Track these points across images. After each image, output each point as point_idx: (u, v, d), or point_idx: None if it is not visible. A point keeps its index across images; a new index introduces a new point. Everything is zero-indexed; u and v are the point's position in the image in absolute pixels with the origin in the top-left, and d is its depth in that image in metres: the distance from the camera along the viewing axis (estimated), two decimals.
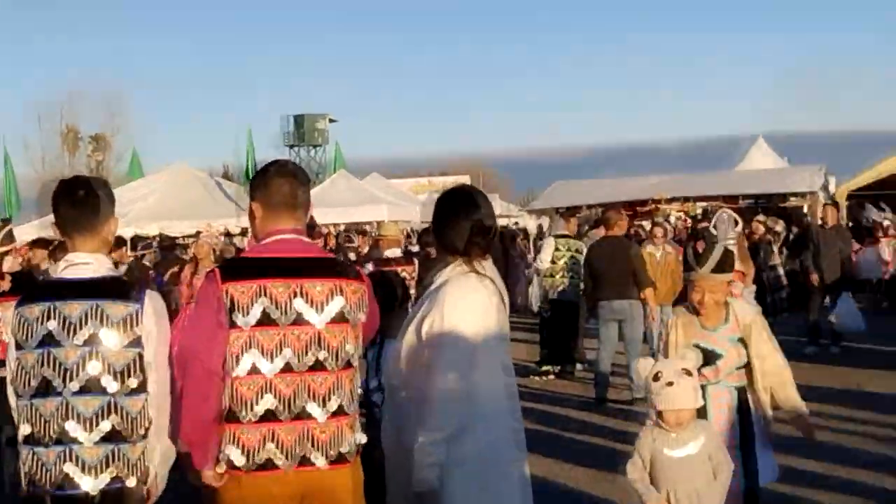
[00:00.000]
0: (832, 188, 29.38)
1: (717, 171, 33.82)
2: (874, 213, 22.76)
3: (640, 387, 5.18)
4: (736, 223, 11.65)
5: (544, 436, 9.53)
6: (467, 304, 4.25)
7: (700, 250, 5.19)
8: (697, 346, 5.26)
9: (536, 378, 13.38)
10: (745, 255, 11.81)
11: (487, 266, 4.39)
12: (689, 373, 4.73)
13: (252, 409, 3.85)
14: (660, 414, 4.75)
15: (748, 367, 5.36)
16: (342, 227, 25.88)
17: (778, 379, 5.38)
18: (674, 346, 5.22)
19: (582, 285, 12.91)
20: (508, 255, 19.45)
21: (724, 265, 5.25)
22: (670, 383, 4.67)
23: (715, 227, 11.50)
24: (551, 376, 13.62)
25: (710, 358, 5.28)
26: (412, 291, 12.02)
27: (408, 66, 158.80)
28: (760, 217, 17.25)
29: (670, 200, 28.28)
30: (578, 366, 13.90)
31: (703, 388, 4.94)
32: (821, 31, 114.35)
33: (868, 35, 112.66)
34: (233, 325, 3.86)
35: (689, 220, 24.05)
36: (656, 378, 4.72)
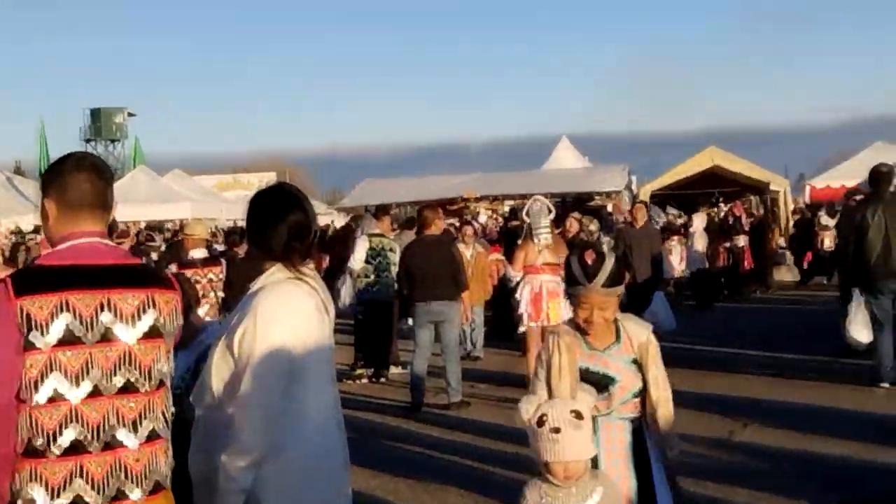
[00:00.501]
0: (634, 188, 30.09)
1: (524, 171, 34.23)
2: (660, 213, 23.42)
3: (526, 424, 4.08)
4: (549, 211, 11.54)
5: (359, 445, 9.00)
6: (286, 313, 3.78)
7: (589, 261, 4.34)
8: (587, 371, 4.37)
9: (350, 382, 12.95)
10: (561, 245, 11.67)
11: (309, 271, 3.91)
12: (580, 416, 3.98)
13: (55, 442, 3.30)
14: (546, 465, 3.99)
15: (643, 394, 4.48)
16: (143, 226, 24.80)
17: (663, 411, 4.54)
18: (558, 372, 4.16)
19: (396, 286, 12.53)
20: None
21: (617, 277, 4.41)
22: (557, 430, 3.93)
23: (528, 214, 11.36)
24: (365, 380, 13.21)
25: (601, 384, 4.39)
26: (220, 294, 11.46)
27: (208, 61, 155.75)
28: (576, 214, 17.31)
29: (479, 199, 28.44)
30: (393, 369, 13.54)
31: (592, 420, 4.15)
32: (627, 33, 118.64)
33: (673, 39, 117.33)
34: (29, 346, 3.27)
35: (500, 219, 24.10)
36: (541, 423, 3.98)
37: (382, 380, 13.24)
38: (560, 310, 11.06)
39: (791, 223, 27.55)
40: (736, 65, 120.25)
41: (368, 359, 13.40)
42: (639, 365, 4.46)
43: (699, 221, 20.52)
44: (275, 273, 3.86)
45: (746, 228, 23.39)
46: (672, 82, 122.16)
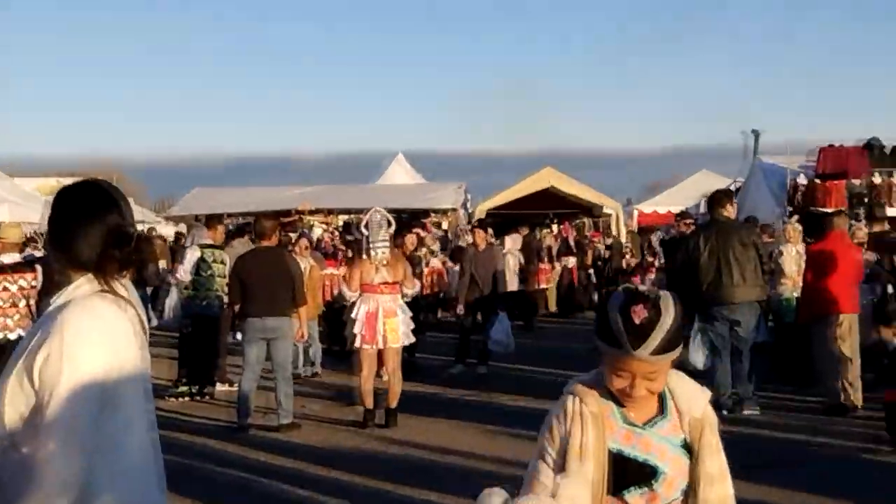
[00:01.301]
0: (470, 206, 29.99)
1: (359, 185, 33.76)
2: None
3: None
4: (389, 224, 11.03)
5: (179, 468, 8.36)
6: (96, 333, 3.15)
7: (639, 318, 2.92)
8: (620, 455, 3.02)
9: (171, 400, 12.22)
10: (400, 261, 11.21)
11: (121, 284, 3.29)
12: None
13: None
14: None
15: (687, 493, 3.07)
16: None
17: None
18: (577, 456, 2.97)
19: (227, 299, 11.86)
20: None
21: (675, 339, 3.00)
22: None
23: (367, 226, 10.84)
24: (187, 398, 12.49)
25: (641, 475, 3.02)
26: (33, 302, 10.58)
27: (34, 59, 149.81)
28: (418, 230, 16.95)
29: (314, 212, 27.83)
30: (220, 387, 12.86)
31: None
32: (469, 54, 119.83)
33: (515, 62, 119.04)
34: None
35: (335, 233, 23.58)
36: None
37: (207, 398, 12.55)
38: (398, 331, 10.63)
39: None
40: (573, 88, 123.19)
41: (192, 375, 12.68)
42: (689, 450, 3.07)
43: (511, 243, 20.40)
44: (83, 285, 3.24)
45: (575, 249, 23.60)
46: (512, 103, 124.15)
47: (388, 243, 10.87)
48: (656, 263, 23.10)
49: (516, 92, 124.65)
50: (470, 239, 16.31)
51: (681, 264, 10.98)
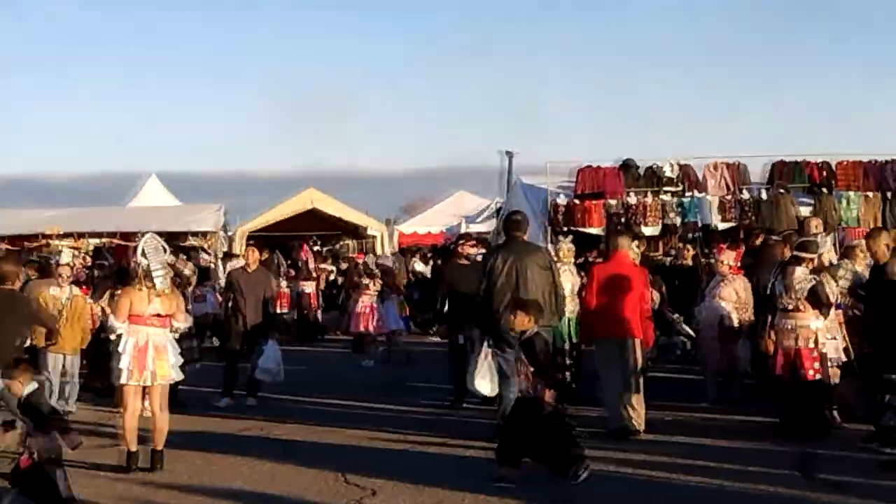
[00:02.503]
0: (231, 228, 29.12)
1: (111, 207, 32.13)
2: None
3: None
4: (164, 250, 10.33)
5: None
6: None
7: None
8: None
9: None
10: (176, 291, 10.52)
11: None
12: None
13: None
14: None
15: None
16: None
17: None
18: None
19: None
20: None
21: None
22: None
23: (143, 253, 10.05)
24: None
25: None
26: None
27: None
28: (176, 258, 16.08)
29: (63, 236, 26.25)
30: None
31: None
32: (221, 70, 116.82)
33: (280, 82, 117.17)
34: None
35: (86, 258, 22.24)
36: None
37: None
38: (167, 367, 9.86)
39: None
40: (330, 109, 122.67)
41: None
42: None
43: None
44: None
45: (315, 274, 23.21)
46: (269, 124, 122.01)
47: (167, 271, 10.15)
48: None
49: (273, 113, 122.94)
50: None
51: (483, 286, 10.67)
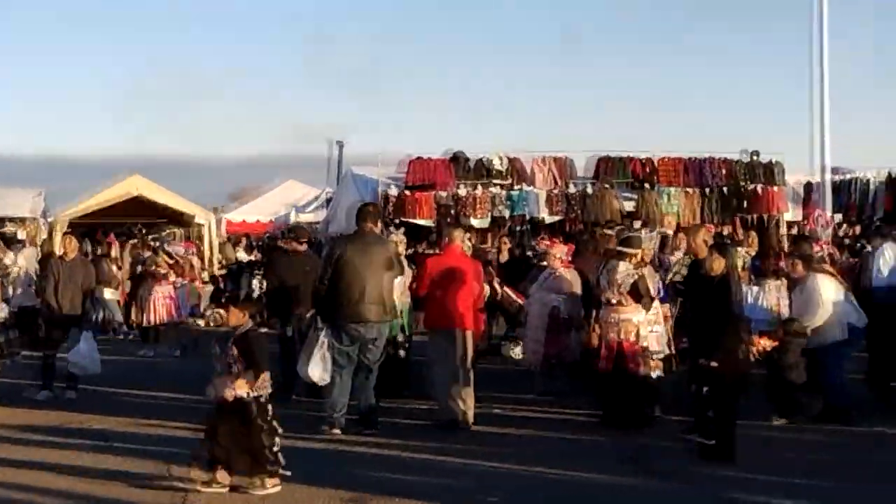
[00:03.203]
0: (52, 214, 27.96)
1: None
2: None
3: None
4: None
5: None
6: None
7: None
8: None
9: None
10: None
11: None
12: None
13: None
14: None
15: None
16: None
17: None
18: None
19: None
20: None
21: None
22: None
23: None
24: None
25: None
26: None
27: None
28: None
29: None
30: None
31: None
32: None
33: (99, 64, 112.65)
34: None
35: None
36: None
37: None
38: None
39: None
40: (159, 93, 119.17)
41: None
42: None
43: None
44: None
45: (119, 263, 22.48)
46: (88, 105, 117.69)
47: None
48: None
49: (103, 96, 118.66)
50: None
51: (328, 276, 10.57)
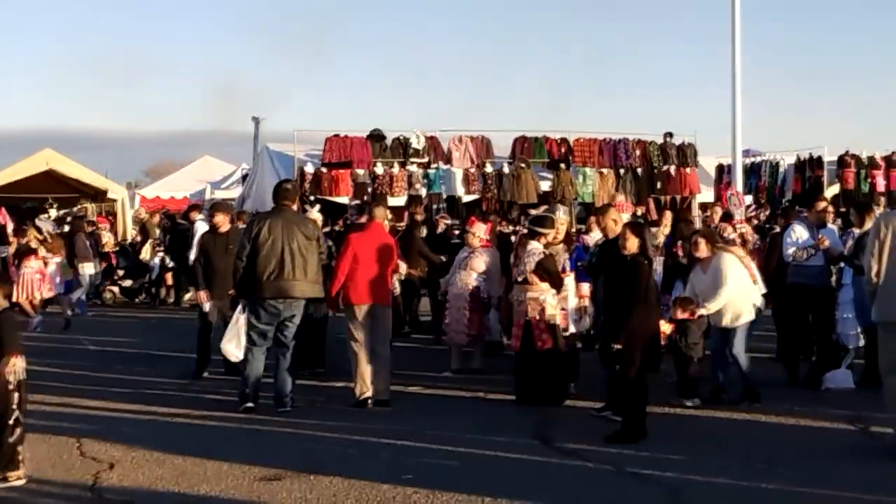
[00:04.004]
0: None
1: None
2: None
3: None
4: None
5: None
6: None
7: None
8: None
9: None
10: None
11: None
12: None
13: None
14: None
15: None
16: None
17: None
18: None
19: None
20: None
21: None
22: None
23: None
24: None
25: None
26: None
27: None
28: None
29: None
30: None
31: None
32: None
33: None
34: None
35: None
36: None
37: None
38: None
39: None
40: (68, 69, 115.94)
41: None
42: None
43: None
44: None
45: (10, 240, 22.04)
46: (14, 77, 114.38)
47: None
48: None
49: (15, 66, 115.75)
50: None
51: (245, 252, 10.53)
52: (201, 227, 16.52)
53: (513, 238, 14.26)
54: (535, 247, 11.03)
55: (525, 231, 11.56)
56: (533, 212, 14.72)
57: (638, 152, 24.87)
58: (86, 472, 8.24)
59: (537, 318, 10.88)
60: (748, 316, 10.82)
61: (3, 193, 25.45)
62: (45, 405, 10.61)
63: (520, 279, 11.04)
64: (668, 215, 15.27)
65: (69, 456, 8.74)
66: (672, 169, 24.94)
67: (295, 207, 11.35)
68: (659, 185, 24.88)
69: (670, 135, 25.29)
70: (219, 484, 7.84)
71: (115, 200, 27.21)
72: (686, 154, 25.24)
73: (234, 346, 10.42)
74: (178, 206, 34.88)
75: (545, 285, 10.91)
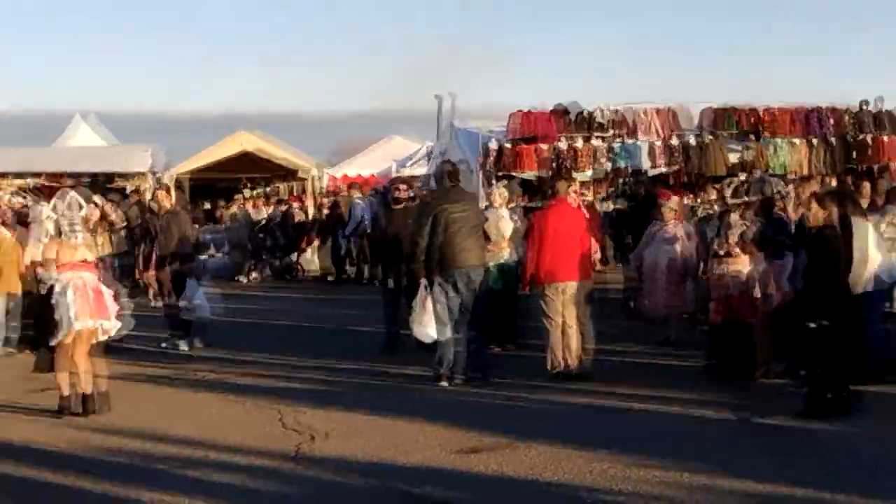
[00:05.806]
0: (169, 170, 28.52)
1: (38, 147, 31.34)
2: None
3: None
4: (80, 206, 10.19)
5: None
6: None
7: None
8: None
9: None
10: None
11: None
12: None
13: None
14: None
15: None
16: None
17: None
18: None
19: None
20: None
21: None
22: None
23: (66, 208, 9.97)
24: None
25: None
26: None
27: None
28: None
29: None
30: None
31: None
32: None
33: (186, 19, 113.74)
34: None
35: (12, 200, 21.63)
36: None
37: None
38: (109, 312, 9.82)
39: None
40: (265, 50, 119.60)
41: None
42: None
43: None
44: None
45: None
46: (192, 62, 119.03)
47: (82, 226, 10.10)
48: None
49: (198, 50, 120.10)
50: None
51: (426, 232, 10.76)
52: (357, 206, 16.89)
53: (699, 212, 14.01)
54: (736, 219, 10.81)
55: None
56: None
57: (832, 121, 23.95)
58: (288, 443, 8.54)
59: (740, 292, 10.68)
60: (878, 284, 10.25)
61: (204, 174, 26.45)
62: (244, 377, 11.11)
63: (721, 252, 10.83)
64: (867, 186, 14.72)
65: (271, 428, 9.09)
66: (869, 137, 23.93)
67: (461, 185, 11.51)
68: (855, 154, 23.92)
69: (866, 102, 24.27)
70: (417, 454, 8.02)
71: (304, 180, 27.93)
72: (884, 121, 24.17)
73: (426, 328, 10.60)
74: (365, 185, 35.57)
75: (746, 258, 10.68)
